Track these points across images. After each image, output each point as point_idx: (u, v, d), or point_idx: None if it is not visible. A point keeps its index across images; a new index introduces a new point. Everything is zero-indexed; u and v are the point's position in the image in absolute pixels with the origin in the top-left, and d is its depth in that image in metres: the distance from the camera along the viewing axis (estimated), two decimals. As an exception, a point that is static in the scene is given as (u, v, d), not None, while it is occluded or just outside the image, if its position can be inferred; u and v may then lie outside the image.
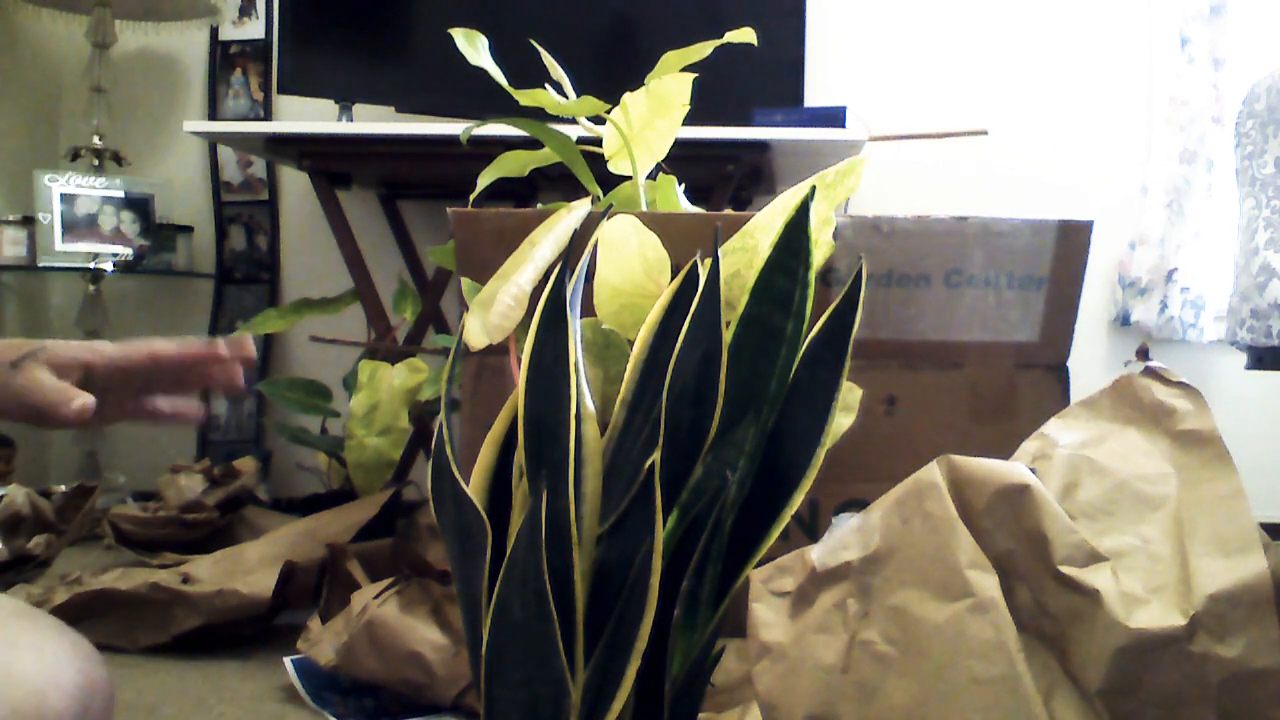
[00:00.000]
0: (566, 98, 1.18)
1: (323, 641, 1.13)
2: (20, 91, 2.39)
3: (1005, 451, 0.67)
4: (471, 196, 1.23)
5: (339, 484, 1.97)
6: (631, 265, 0.89)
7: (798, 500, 0.66)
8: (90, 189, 2.19)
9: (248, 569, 1.35)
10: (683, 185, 1.20)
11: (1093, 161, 2.30)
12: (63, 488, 1.78)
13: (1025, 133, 2.29)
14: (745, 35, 1.14)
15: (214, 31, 2.43)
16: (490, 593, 0.61)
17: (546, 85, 1.16)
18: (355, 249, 2.01)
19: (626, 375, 0.71)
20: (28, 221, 2.17)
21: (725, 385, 0.66)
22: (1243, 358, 1.51)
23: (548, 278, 0.91)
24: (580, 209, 1.00)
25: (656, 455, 0.62)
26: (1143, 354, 0.71)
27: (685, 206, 1.19)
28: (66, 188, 2.16)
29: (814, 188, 0.72)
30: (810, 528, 1.04)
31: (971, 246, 1.03)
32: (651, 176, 1.17)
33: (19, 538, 1.50)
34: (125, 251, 2.21)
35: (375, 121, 2.12)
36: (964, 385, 1.04)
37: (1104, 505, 0.62)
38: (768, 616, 0.65)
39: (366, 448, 1.71)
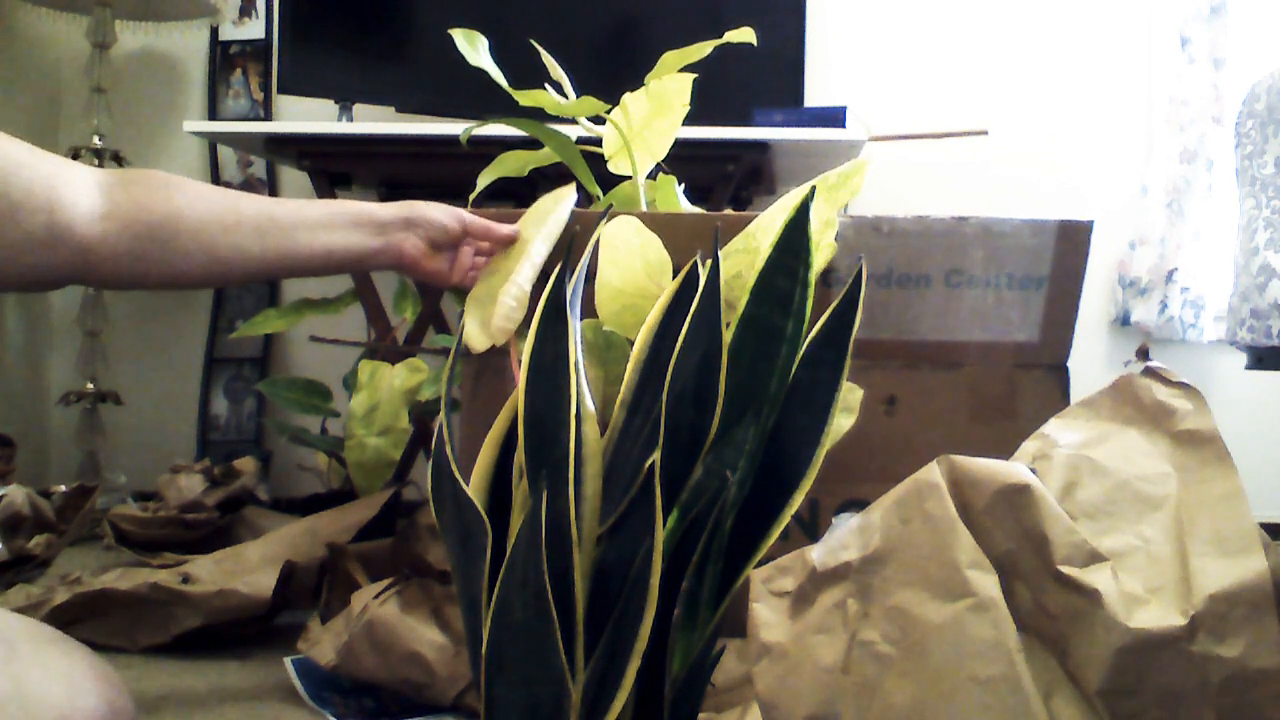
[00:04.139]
0: (566, 98, 1.18)
1: (323, 641, 1.13)
2: (20, 91, 2.39)
3: (1005, 451, 0.67)
4: (471, 196, 1.23)
5: (339, 484, 1.97)
6: (632, 266, 0.89)
7: (798, 500, 0.66)
8: (90, 189, 2.18)
9: (248, 569, 1.35)
10: (683, 185, 1.20)
11: (1093, 161, 2.30)
12: (63, 488, 1.78)
13: (1025, 133, 2.29)
14: (745, 35, 1.14)
15: (214, 31, 2.43)
16: (490, 593, 0.61)
17: (546, 85, 1.16)
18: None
19: (626, 376, 0.71)
20: (28, 221, 2.17)
21: (725, 385, 0.66)
22: (1243, 358, 1.51)
23: (546, 276, 0.91)
24: (567, 197, 1.00)
25: (656, 455, 0.62)
26: (1143, 354, 0.71)
27: (685, 206, 1.19)
28: (66, 188, 2.16)
29: (814, 187, 0.72)
30: (810, 528, 1.04)
31: (971, 246, 1.03)
32: (651, 176, 1.17)
33: (19, 538, 1.50)
34: (125, 251, 2.21)
35: (375, 121, 2.12)
36: (964, 385, 1.04)
37: (1104, 505, 0.62)
38: (768, 616, 0.65)
39: (366, 448, 1.71)
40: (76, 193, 0.78)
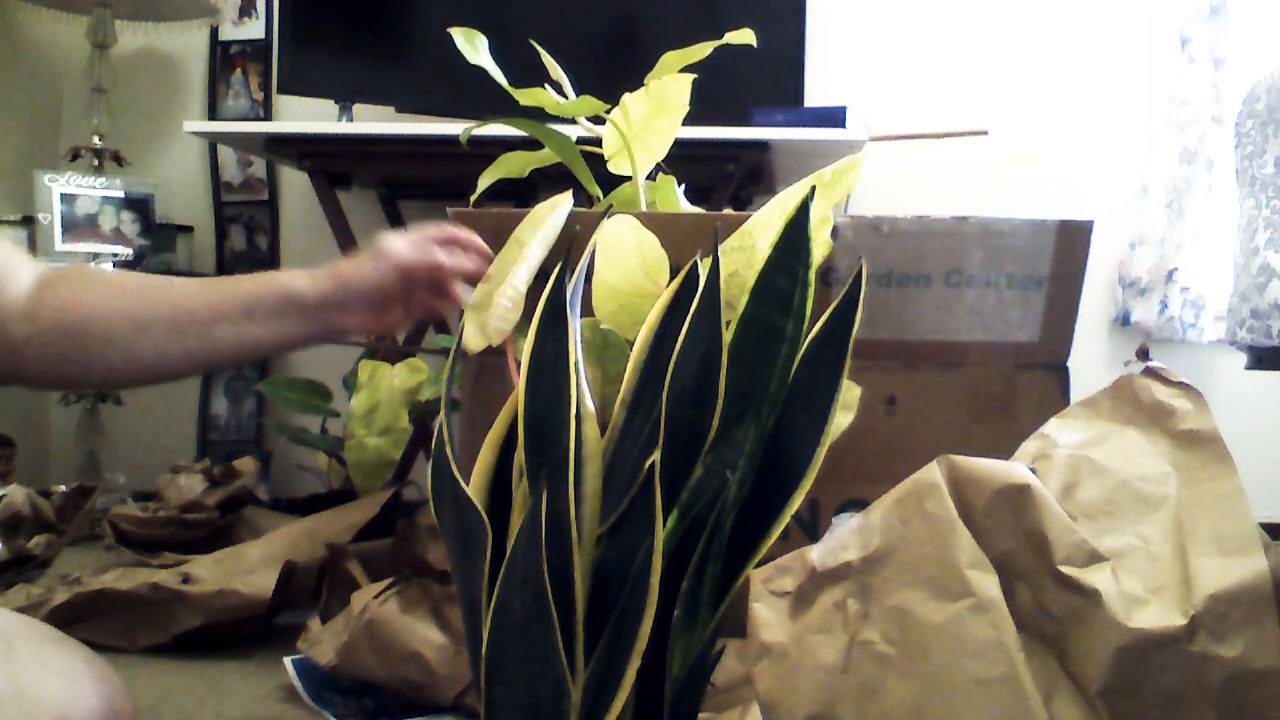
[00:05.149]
0: (566, 98, 1.18)
1: (323, 641, 1.13)
2: (20, 91, 2.39)
3: (1005, 451, 0.67)
4: (472, 198, 1.23)
5: (339, 484, 1.97)
6: (630, 265, 0.89)
7: (798, 500, 0.66)
8: (90, 189, 2.19)
9: (248, 569, 1.35)
10: (683, 185, 1.20)
11: (1093, 161, 2.30)
12: (63, 488, 1.78)
13: (1025, 133, 2.29)
14: (745, 36, 1.14)
15: (214, 31, 2.43)
16: (490, 593, 0.61)
17: (546, 85, 1.16)
18: (355, 249, 2.00)
19: (626, 375, 0.71)
20: (28, 221, 2.17)
21: (725, 385, 0.66)
22: (1243, 358, 1.51)
23: (543, 277, 0.91)
24: (564, 203, 1.00)
25: (656, 455, 0.62)
26: (1143, 354, 0.71)
27: (685, 206, 1.19)
28: (66, 188, 2.16)
29: (814, 188, 0.72)
30: (810, 528, 1.04)
31: (971, 246, 1.03)
32: (651, 177, 1.16)
33: (19, 538, 1.50)
34: (125, 252, 2.21)
35: (375, 121, 2.12)
36: (964, 385, 1.04)
37: (1104, 505, 0.62)
38: (768, 616, 0.65)
39: (366, 448, 1.71)
40: (13, 292, 0.77)
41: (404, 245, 0.89)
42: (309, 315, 0.85)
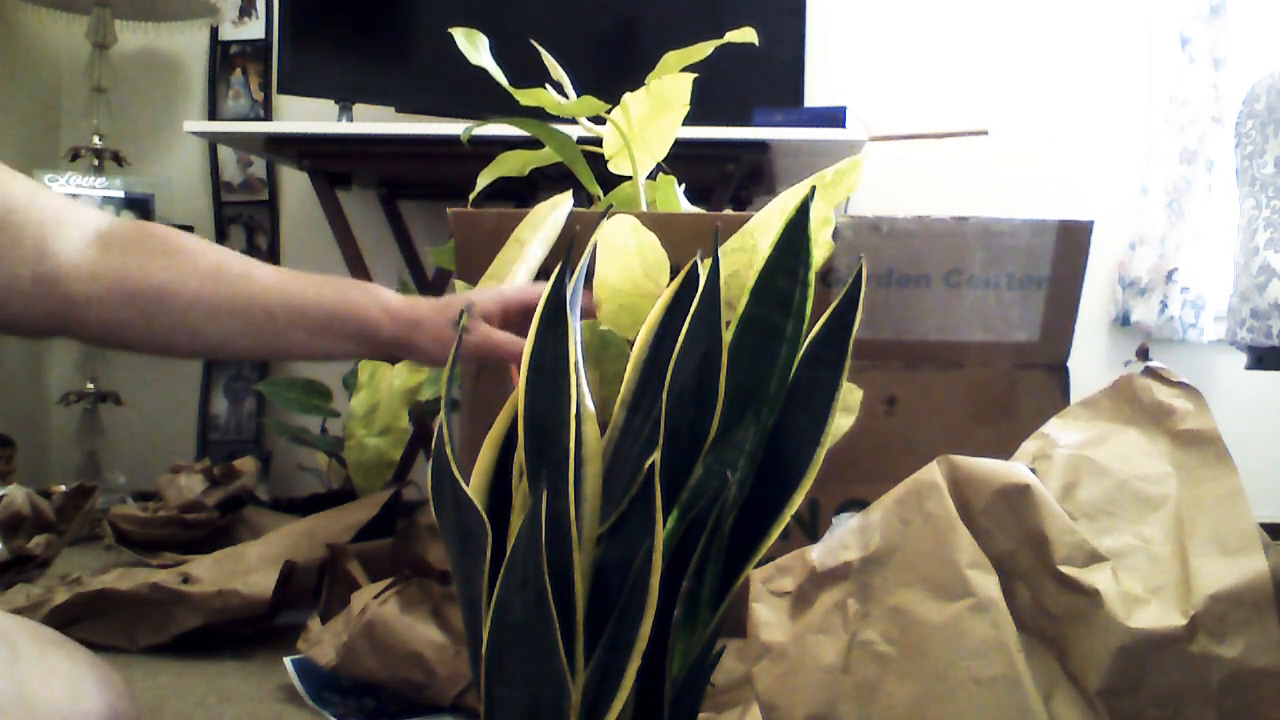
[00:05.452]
0: (567, 98, 1.18)
1: (323, 641, 1.13)
2: (20, 91, 2.39)
3: (1005, 451, 0.67)
4: (471, 196, 1.23)
5: (339, 484, 1.97)
6: (631, 265, 0.89)
7: (798, 500, 0.66)
8: (90, 189, 2.19)
9: (248, 569, 1.35)
10: (683, 185, 1.20)
11: (1093, 161, 2.30)
12: (63, 488, 1.78)
13: (1025, 133, 2.29)
14: (746, 35, 1.14)
15: (214, 31, 2.43)
16: (490, 593, 0.61)
17: (547, 85, 1.16)
18: (355, 249, 2.01)
19: (627, 375, 0.71)
20: (28, 221, 2.17)
21: (725, 385, 0.66)
22: (1243, 358, 1.51)
23: (543, 277, 0.91)
24: (564, 203, 1.00)
25: (656, 455, 0.62)
26: (1143, 354, 0.71)
27: (685, 206, 1.19)
28: (66, 188, 2.16)
29: (814, 188, 0.72)
30: (810, 528, 1.04)
31: (971, 246, 1.03)
32: (651, 176, 1.16)
33: (19, 538, 1.50)
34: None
35: (375, 121, 2.12)
36: (964, 385, 1.04)
37: (1104, 505, 0.61)
38: (768, 616, 0.65)
39: (366, 448, 1.71)
40: (69, 245, 0.75)
41: (501, 340, 0.85)
42: (378, 346, 0.86)
